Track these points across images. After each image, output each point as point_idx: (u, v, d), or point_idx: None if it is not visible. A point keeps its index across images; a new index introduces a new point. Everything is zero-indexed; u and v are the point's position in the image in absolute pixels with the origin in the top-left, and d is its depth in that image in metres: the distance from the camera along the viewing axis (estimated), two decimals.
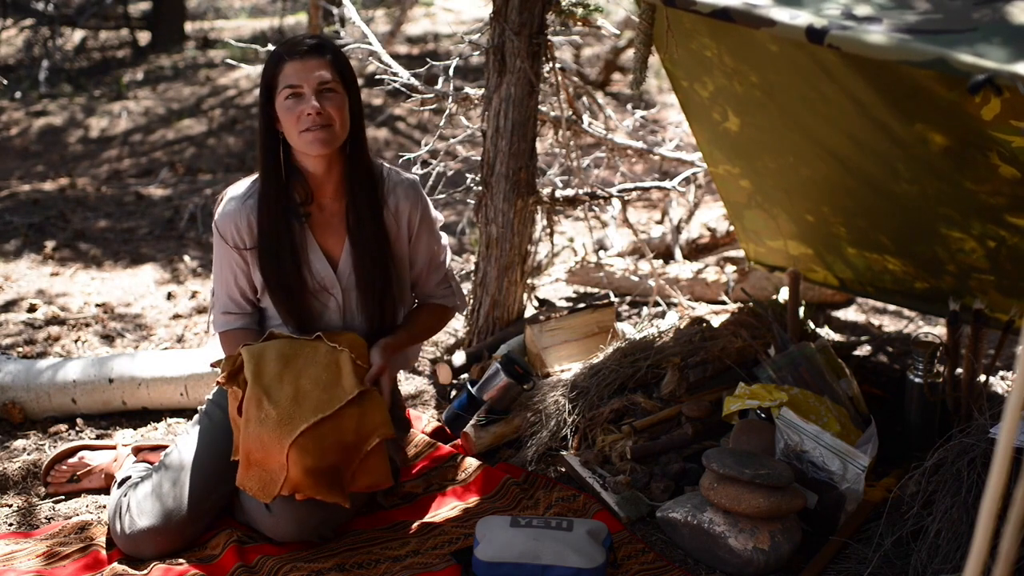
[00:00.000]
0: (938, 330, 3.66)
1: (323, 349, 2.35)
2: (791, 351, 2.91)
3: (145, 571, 2.24)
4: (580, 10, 3.14)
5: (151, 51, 10.33)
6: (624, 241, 4.49)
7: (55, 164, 7.15)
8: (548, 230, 3.70)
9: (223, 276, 2.48)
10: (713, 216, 4.76)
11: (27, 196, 5.85)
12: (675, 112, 6.46)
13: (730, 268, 4.02)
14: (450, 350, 3.42)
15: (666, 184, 3.69)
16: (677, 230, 4.39)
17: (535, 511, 2.50)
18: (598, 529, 2.25)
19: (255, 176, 2.46)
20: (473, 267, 3.38)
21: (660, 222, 4.98)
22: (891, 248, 3.08)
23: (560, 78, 3.26)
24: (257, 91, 2.46)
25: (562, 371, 3.06)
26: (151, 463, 2.58)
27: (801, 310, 3.14)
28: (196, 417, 2.53)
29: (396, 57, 5.02)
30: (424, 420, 2.97)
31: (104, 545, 2.34)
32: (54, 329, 3.67)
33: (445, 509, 2.55)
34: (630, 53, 7.04)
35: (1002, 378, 3.23)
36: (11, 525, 2.48)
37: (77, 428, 2.94)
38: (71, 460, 2.65)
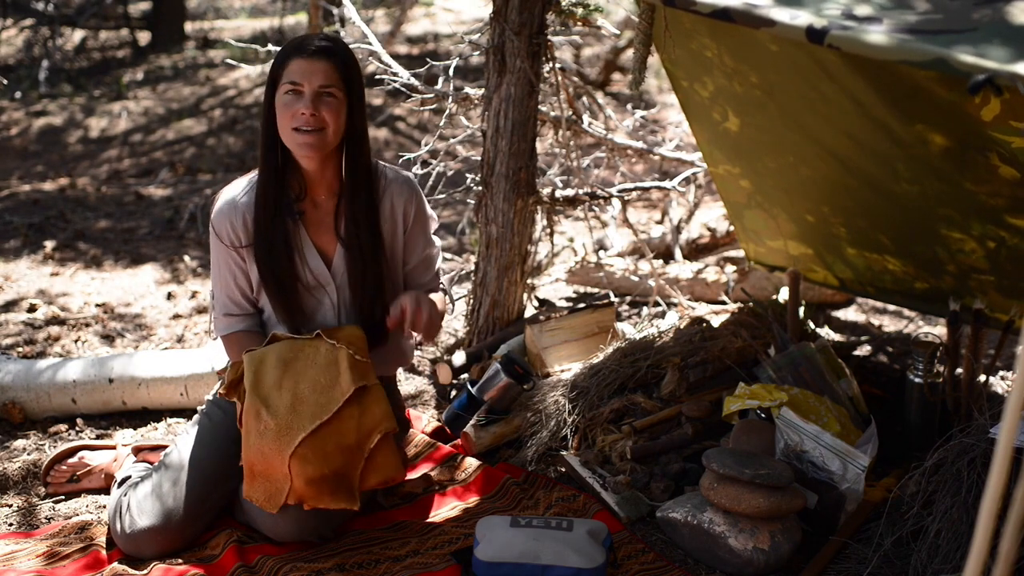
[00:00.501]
0: (938, 330, 3.66)
1: (323, 348, 2.34)
2: (791, 351, 2.91)
3: (145, 571, 2.24)
4: (580, 10, 3.14)
5: (151, 51, 10.33)
6: (624, 241, 4.49)
7: (55, 164, 7.15)
8: (548, 230, 3.70)
9: (222, 277, 2.48)
10: (713, 216, 4.76)
11: (27, 196, 5.85)
12: (675, 112, 6.47)
13: (730, 268, 4.02)
14: (450, 350, 3.42)
15: (666, 184, 3.69)
16: (677, 230, 4.39)
17: (535, 511, 2.50)
18: (598, 529, 2.25)
19: (250, 175, 2.45)
20: (473, 267, 3.38)
21: (660, 222, 4.98)
22: (891, 248, 3.08)
23: (560, 78, 3.26)
24: (257, 91, 2.46)
25: (562, 371, 3.06)
26: (151, 463, 2.58)
27: (801, 310, 3.14)
28: (196, 417, 2.53)
29: (396, 57, 5.02)
30: (424, 420, 2.97)
31: (104, 545, 2.34)
32: (54, 329, 3.67)
33: (445, 509, 2.55)
34: (630, 53, 7.03)
35: (1002, 378, 3.23)
36: (11, 525, 2.48)
37: (77, 428, 2.94)
38: (71, 460, 2.65)
